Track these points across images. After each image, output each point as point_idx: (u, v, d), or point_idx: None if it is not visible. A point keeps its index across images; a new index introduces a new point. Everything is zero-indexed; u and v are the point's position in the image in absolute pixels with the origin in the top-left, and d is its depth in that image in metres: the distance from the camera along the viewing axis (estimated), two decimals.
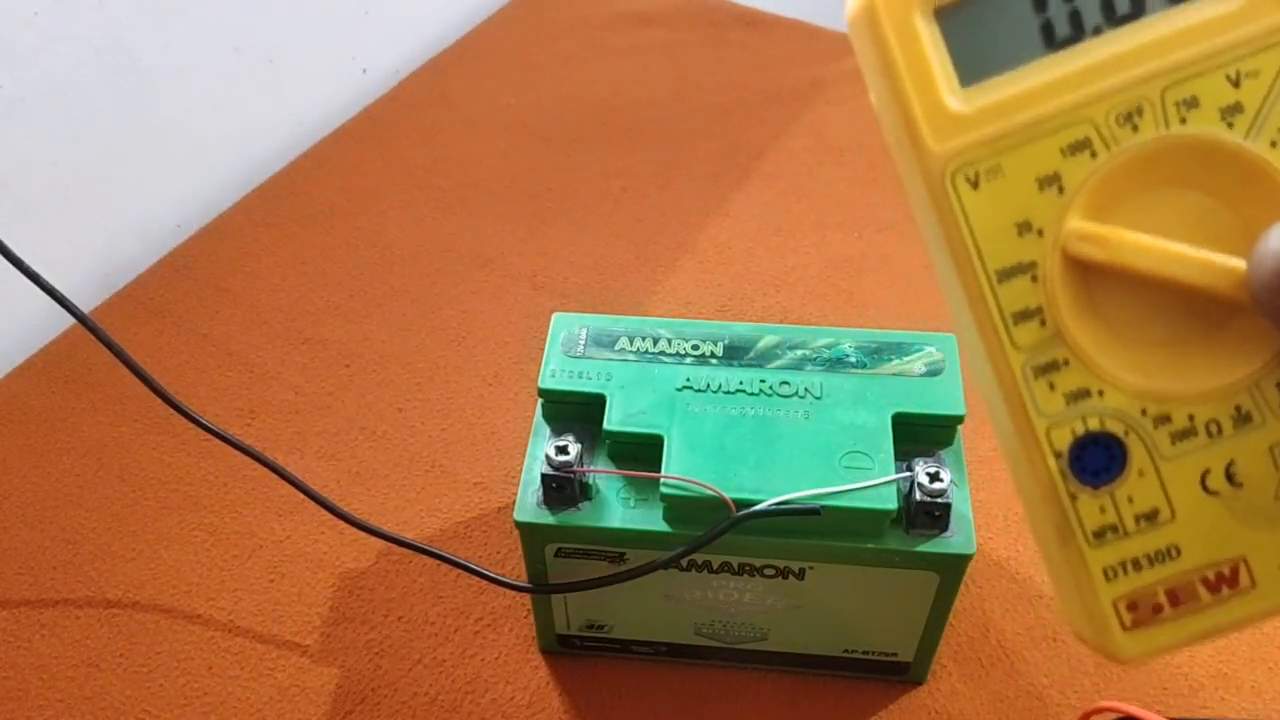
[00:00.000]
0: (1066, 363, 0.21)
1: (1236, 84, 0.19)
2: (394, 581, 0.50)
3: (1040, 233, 0.20)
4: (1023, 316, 0.21)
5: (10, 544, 0.52)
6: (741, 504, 0.37)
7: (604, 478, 0.41)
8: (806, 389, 0.41)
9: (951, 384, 0.41)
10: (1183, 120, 0.20)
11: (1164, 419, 0.21)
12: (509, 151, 0.74)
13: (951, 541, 0.39)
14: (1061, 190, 0.20)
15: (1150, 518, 0.21)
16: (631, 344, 0.43)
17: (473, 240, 0.68)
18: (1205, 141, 0.20)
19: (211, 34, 0.68)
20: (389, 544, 0.49)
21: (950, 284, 0.21)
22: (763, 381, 0.41)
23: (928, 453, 0.40)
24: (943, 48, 0.20)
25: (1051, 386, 0.21)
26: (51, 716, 0.46)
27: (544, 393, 0.42)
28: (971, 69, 0.20)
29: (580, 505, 0.40)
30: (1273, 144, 0.20)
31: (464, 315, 0.63)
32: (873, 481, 0.38)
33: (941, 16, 0.20)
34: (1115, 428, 0.21)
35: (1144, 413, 0.21)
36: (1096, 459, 0.21)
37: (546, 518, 0.40)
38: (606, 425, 0.40)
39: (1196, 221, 0.20)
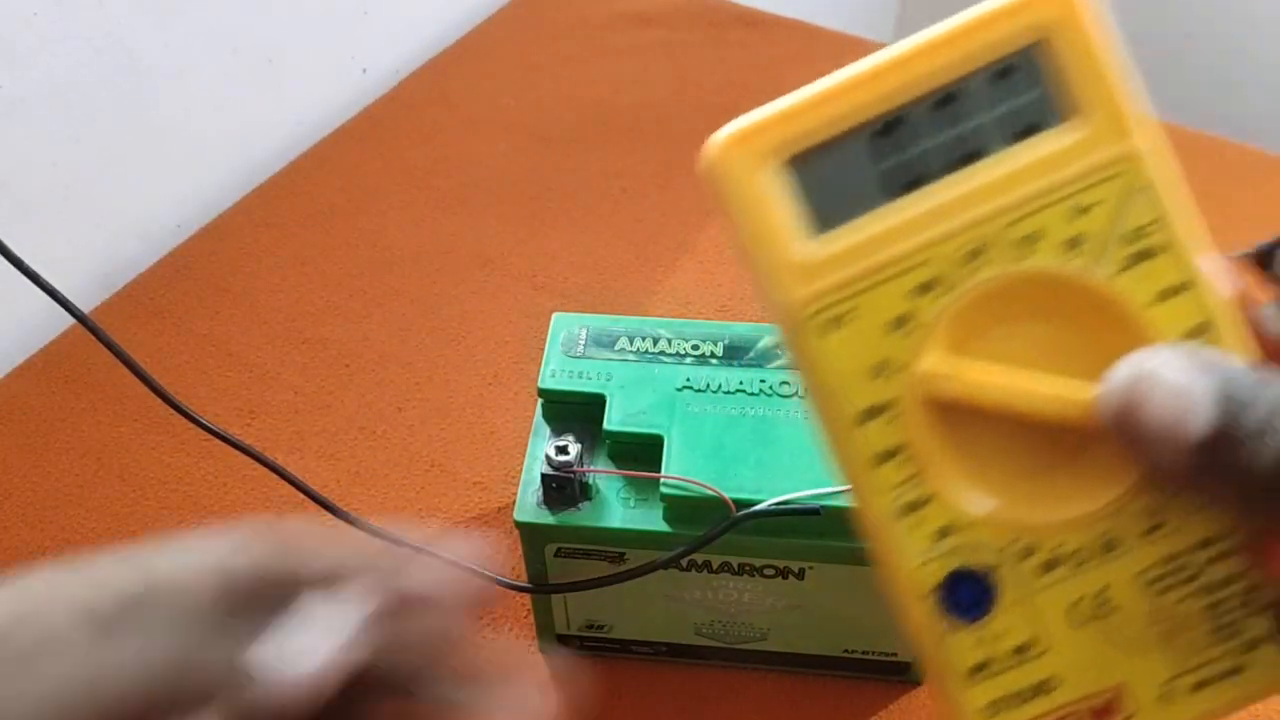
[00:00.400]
0: (930, 500, 0.21)
1: (1078, 216, 0.20)
2: None
3: (896, 373, 0.21)
4: (885, 456, 0.21)
5: (10, 544, 0.52)
6: (741, 504, 0.37)
7: (604, 478, 0.41)
8: None
9: None
10: (1027, 255, 0.20)
11: (1031, 550, 0.21)
12: (509, 151, 0.74)
13: None
14: (914, 330, 0.21)
15: (1025, 651, 0.21)
16: (631, 344, 0.43)
17: (473, 240, 0.68)
18: (1050, 275, 0.20)
19: (211, 34, 0.68)
20: (388, 544, 0.49)
21: (817, 424, 0.22)
22: (763, 381, 0.41)
23: None
24: (793, 197, 0.21)
25: (917, 524, 0.21)
26: None
27: (544, 393, 0.42)
28: (822, 217, 0.21)
29: (580, 505, 0.40)
30: (1120, 271, 0.20)
31: (464, 315, 0.63)
32: None
33: (792, 167, 0.21)
34: (983, 562, 0.21)
35: (1011, 545, 0.21)
36: (966, 595, 0.21)
37: (546, 518, 0.40)
38: (606, 425, 0.40)
39: (1053, 351, 0.20)
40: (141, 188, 0.68)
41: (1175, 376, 0.19)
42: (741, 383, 0.41)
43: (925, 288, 0.20)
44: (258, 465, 0.47)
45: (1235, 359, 0.20)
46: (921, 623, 0.21)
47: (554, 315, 0.45)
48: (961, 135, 0.20)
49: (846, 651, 0.45)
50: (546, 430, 0.43)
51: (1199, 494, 0.20)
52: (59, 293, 0.46)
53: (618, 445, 0.41)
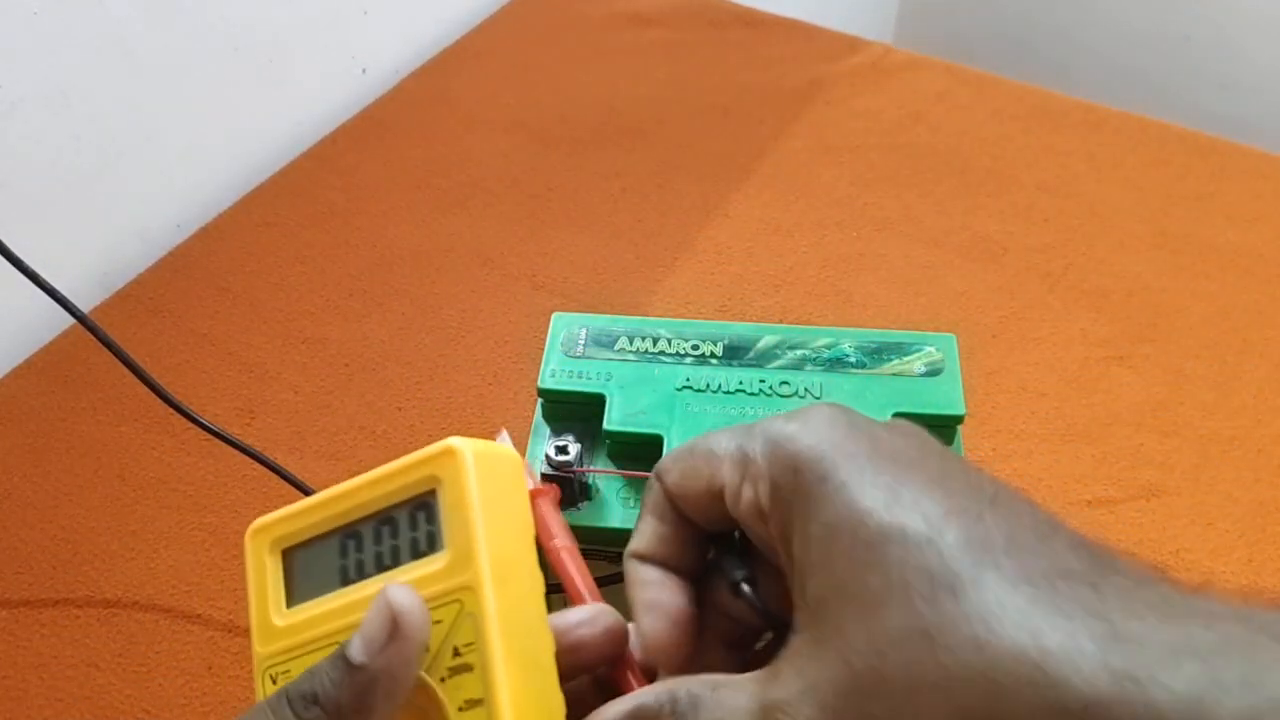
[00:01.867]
0: None
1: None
2: None
3: None
4: None
5: (10, 544, 0.52)
6: None
7: (604, 478, 0.41)
8: (806, 389, 0.41)
9: (951, 384, 0.41)
10: None
11: None
12: (509, 151, 0.74)
13: None
14: None
15: None
16: (631, 344, 0.43)
17: (473, 240, 0.68)
18: None
19: (211, 34, 0.68)
20: None
21: None
22: (762, 381, 0.41)
23: None
24: (280, 576, 0.27)
25: None
26: (51, 716, 0.46)
27: (544, 392, 0.42)
28: (295, 593, 0.27)
29: (580, 505, 0.40)
30: (441, 679, 0.24)
31: (464, 315, 0.63)
32: None
33: (286, 554, 0.27)
34: None
35: None
36: None
37: None
38: (606, 425, 0.40)
39: None
40: (141, 188, 0.68)
41: None
42: (741, 383, 0.41)
43: None
44: (258, 465, 0.47)
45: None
46: None
47: (554, 315, 0.45)
48: (386, 549, 0.26)
49: None
50: (546, 430, 0.43)
51: None
52: (59, 293, 0.46)
53: (618, 445, 0.41)
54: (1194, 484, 0.53)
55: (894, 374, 0.41)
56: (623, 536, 0.40)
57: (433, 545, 0.25)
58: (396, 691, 0.24)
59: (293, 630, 0.26)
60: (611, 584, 0.41)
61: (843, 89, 0.79)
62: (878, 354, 0.42)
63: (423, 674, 0.24)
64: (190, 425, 0.47)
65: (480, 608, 0.24)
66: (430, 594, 0.25)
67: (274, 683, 0.26)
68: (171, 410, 0.48)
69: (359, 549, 0.26)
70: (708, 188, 0.71)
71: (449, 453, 0.25)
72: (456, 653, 0.24)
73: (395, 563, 0.26)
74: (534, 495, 0.36)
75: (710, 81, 0.80)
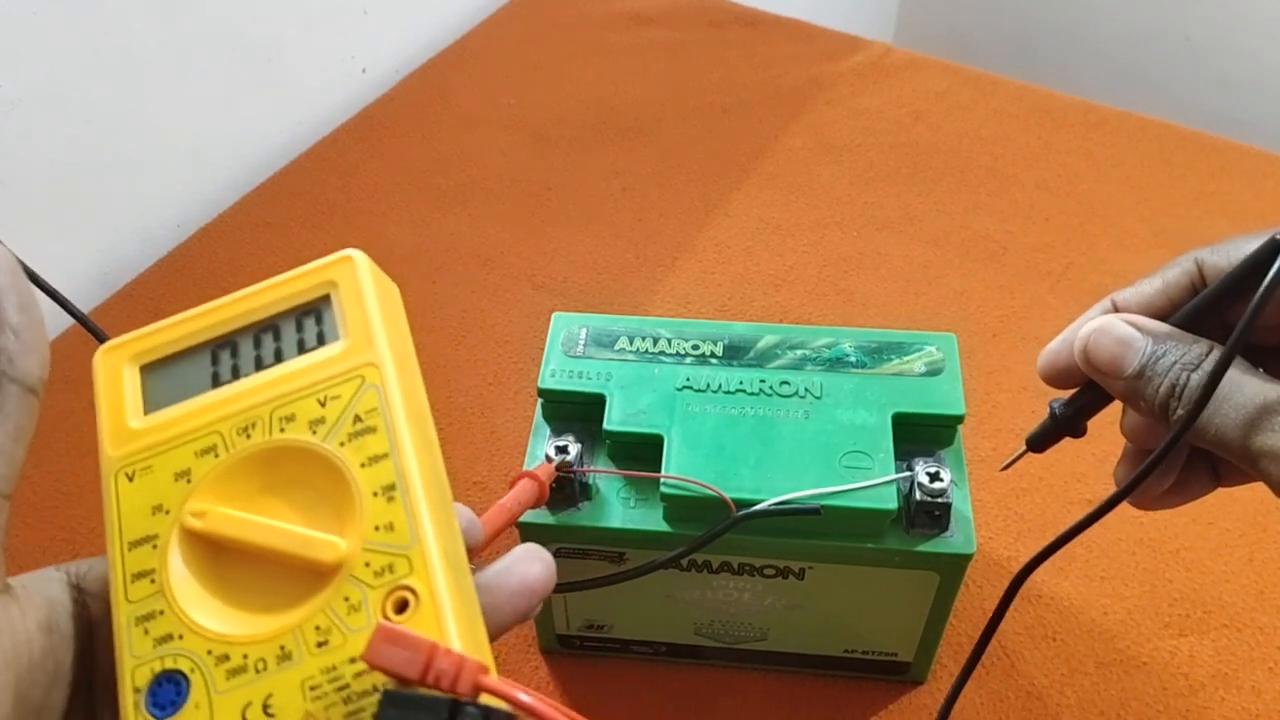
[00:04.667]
0: (161, 613, 0.25)
1: (324, 404, 0.26)
2: None
3: (167, 512, 0.26)
4: (139, 576, 0.26)
5: (10, 544, 0.52)
6: (741, 504, 0.37)
7: (604, 478, 0.41)
8: (806, 389, 0.41)
9: (951, 383, 0.41)
10: (282, 430, 0.26)
11: (224, 658, 0.25)
12: (509, 151, 0.74)
13: (951, 541, 0.39)
14: (189, 481, 0.26)
15: None
16: (631, 344, 0.43)
17: (473, 240, 0.68)
18: (296, 444, 0.26)
19: (211, 34, 0.68)
20: None
21: (109, 554, 0.27)
22: (762, 381, 0.41)
23: (928, 452, 0.40)
24: (138, 386, 0.28)
25: (146, 632, 0.25)
26: None
27: (544, 392, 0.42)
28: (155, 401, 0.27)
29: (580, 505, 0.40)
30: (341, 444, 0.26)
31: (464, 315, 0.63)
32: (873, 481, 0.38)
33: (144, 370, 0.28)
34: (183, 665, 0.25)
35: (209, 653, 0.25)
36: (166, 694, 0.25)
37: (547, 518, 0.40)
38: (606, 425, 0.40)
39: (305, 508, 0.26)
40: (141, 188, 0.68)
41: (1120, 332, 0.32)
42: (741, 383, 0.41)
43: (205, 451, 0.26)
44: None
45: (1158, 324, 0.32)
46: (129, 715, 0.25)
47: (554, 315, 0.45)
48: (267, 351, 0.27)
49: (846, 651, 0.45)
50: (546, 430, 0.43)
51: (1130, 405, 0.32)
52: (59, 293, 0.46)
53: (618, 445, 0.41)
54: None
55: (894, 373, 0.41)
56: (623, 536, 0.40)
57: (322, 341, 0.27)
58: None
59: (153, 430, 0.27)
60: (613, 583, 0.41)
61: (843, 88, 0.79)
62: (878, 353, 0.42)
63: (319, 443, 0.26)
64: None
65: (383, 377, 0.26)
66: (328, 375, 0.26)
67: (130, 480, 0.27)
68: None
69: (234, 355, 0.27)
70: (708, 187, 0.71)
71: (348, 260, 0.27)
72: (358, 419, 0.26)
73: (279, 360, 0.27)
74: (523, 477, 0.38)
75: (710, 81, 0.80)
